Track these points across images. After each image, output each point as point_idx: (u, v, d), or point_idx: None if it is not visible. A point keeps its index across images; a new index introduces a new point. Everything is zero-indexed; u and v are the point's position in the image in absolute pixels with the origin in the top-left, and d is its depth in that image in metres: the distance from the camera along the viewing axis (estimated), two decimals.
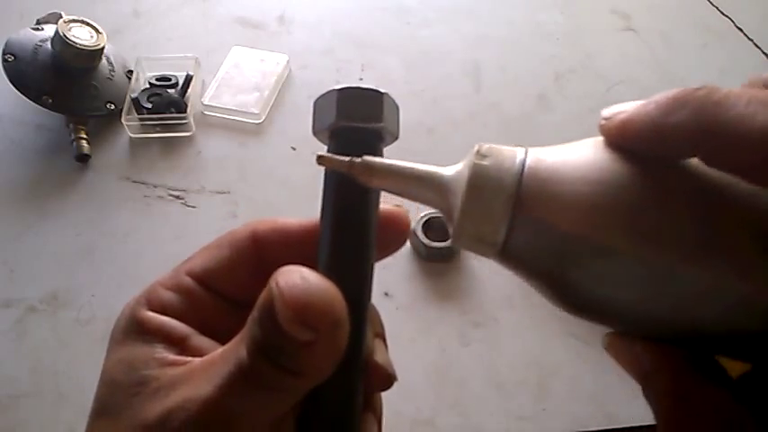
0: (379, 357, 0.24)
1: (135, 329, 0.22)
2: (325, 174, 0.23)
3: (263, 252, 0.24)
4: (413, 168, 0.22)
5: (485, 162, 0.20)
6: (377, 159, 0.21)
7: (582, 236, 0.19)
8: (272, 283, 0.19)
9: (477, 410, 0.51)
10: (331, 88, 0.22)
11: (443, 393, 0.52)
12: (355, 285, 0.20)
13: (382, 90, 0.22)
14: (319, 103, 0.23)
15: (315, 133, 0.23)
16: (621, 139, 0.20)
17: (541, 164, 0.20)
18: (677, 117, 0.18)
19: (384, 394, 0.26)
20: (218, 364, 0.20)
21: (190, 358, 0.21)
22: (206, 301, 0.24)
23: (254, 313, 0.19)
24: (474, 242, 0.20)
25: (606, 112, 0.21)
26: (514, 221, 0.19)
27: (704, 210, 0.18)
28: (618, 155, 0.20)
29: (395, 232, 0.24)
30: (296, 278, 0.19)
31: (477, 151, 0.20)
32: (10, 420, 0.50)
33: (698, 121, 0.18)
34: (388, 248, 0.24)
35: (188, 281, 0.24)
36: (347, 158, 0.21)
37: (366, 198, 0.23)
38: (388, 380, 0.24)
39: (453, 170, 0.22)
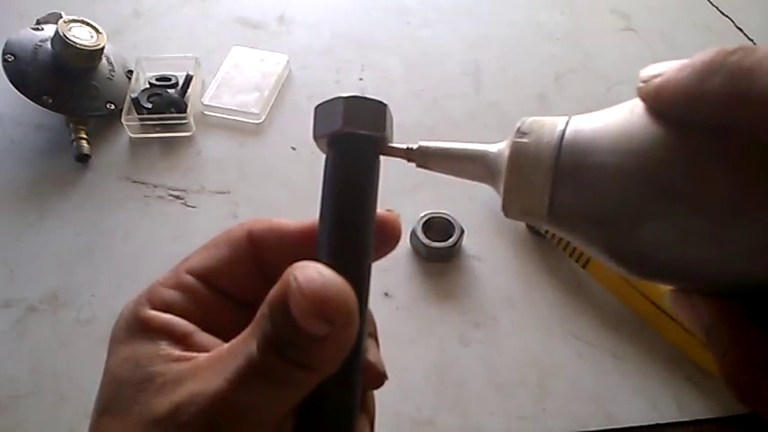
0: (371, 356, 0.24)
1: (138, 328, 0.22)
2: (324, 175, 0.23)
3: (259, 251, 0.25)
4: (463, 149, 0.24)
5: (524, 140, 0.21)
6: (431, 144, 0.24)
7: (619, 203, 0.19)
8: (288, 277, 0.19)
9: (477, 410, 0.51)
10: (336, 95, 0.23)
11: (443, 393, 0.52)
12: (355, 284, 0.20)
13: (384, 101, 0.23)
14: (323, 109, 0.23)
15: (316, 138, 0.24)
16: (658, 103, 0.21)
17: (579, 135, 0.21)
18: (710, 84, 0.18)
19: (384, 394, 0.26)
20: (227, 359, 0.20)
21: (195, 354, 0.21)
22: (207, 298, 0.24)
23: (265, 309, 0.20)
24: (523, 215, 0.22)
25: (644, 73, 0.21)
26: (555, 195, 0.21)
27: (741, 174, 0.18)
28: (654, 120, 0.20)
29: (387, 236, 0.25)
30: (313, 273, 0.19)
31: (519, 128, 0.22)
32: (10, 420, 0.50)
33: (731, 89, 0.18)
34: (380, 251, 0.25)
35: (188, 279, 0.24)
36: (405, 146, 0.23)
37: (364, 200, 0.23)
38: (379, 378, 0.24)
39: (498, 147, 0.23)
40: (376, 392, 0.26)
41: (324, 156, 0.24)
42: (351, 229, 0.23)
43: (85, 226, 0.63)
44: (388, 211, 0.25)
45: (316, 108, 0.24)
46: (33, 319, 0.56)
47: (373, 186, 0.23)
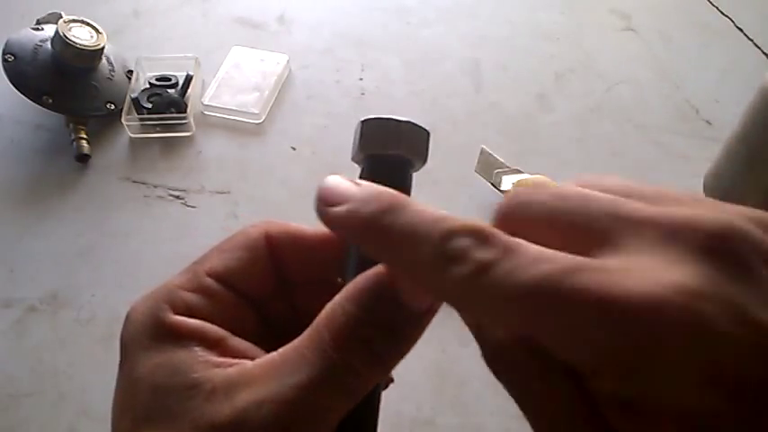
0: None
1: (166, 334, 0.21)
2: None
3: (276, 254, 0.24)
4: None
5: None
6: None
7: None
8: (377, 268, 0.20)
9: (477, 410, 0.51)
10: (391, 117, 0.23)
11: (443, 393, 0.52)
12: None
13: (406, 119, 0.23)
14: (374, 126, 0.24)
15: (363, 153, 0.24)
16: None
17: None
18: None
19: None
20: (284, 366, 0.20)
21: (234, 360, 0.21)
22: (229, 301, 0.23)
23: (344, 303, 0.20)
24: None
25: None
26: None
27: None
28: None
29: None
30: None
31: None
32: (10, 420, 0.50)
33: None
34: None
35: (210, 282, 0.23)
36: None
37: None
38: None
39: None
40: None
41: (359, 169, 0.24)
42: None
43: (85, 226, 0.63)
44: None
45: (364, 121, 0.24)
46: (33, 319, 0.56)
47: None
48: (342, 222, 0.19)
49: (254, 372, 0.20)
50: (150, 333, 0.22)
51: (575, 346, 0.15)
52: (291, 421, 0.19)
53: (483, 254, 0.16)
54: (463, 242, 0.16)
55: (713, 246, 0.14)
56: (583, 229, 0.17)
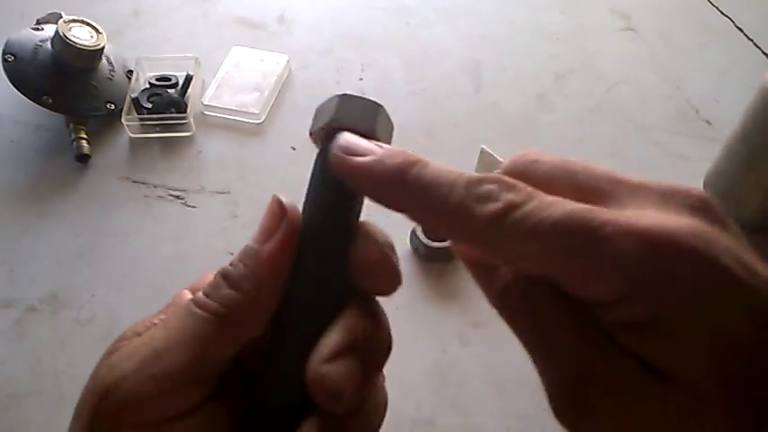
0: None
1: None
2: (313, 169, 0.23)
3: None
4: None
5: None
6: None
7: None
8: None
9: (477, 410, 0.51)
10: (336, 94, 0.23)
11: (443, 393, 0.52)
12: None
13: (380, 102, 0.23)
14: (320, 107, 0.23)
15: (310, 134, 0.24)
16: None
17: None
18: None
19: None
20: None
21: None
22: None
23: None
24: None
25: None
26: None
27: None
28: None
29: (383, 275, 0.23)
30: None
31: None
32: (10, 420, 0.50)
33: None
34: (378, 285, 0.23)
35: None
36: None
37: (347, 196, 0.23)
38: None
39: None
40: None
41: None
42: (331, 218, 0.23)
43: (85, 226, 0.63)
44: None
45: (317, 108, 0.24)
46: (33, 319, 0.56)
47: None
48: (366, 171, 0.20)
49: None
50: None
51: (603, 275, 0.16)
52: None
53: (511, 195, 0.18)
54: (491, 187, 0.18)
55: (702, 206, 0.17)
56: (589, 189, 0.19)
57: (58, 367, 0.53)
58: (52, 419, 0.50)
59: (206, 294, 0.20)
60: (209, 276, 0.22)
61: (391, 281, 0.22)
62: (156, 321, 0.22)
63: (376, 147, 0.20)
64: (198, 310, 0.20)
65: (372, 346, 0.21)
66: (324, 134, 0.23)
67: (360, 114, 0.23)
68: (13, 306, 0.57)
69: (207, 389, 0.20)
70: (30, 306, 0.57)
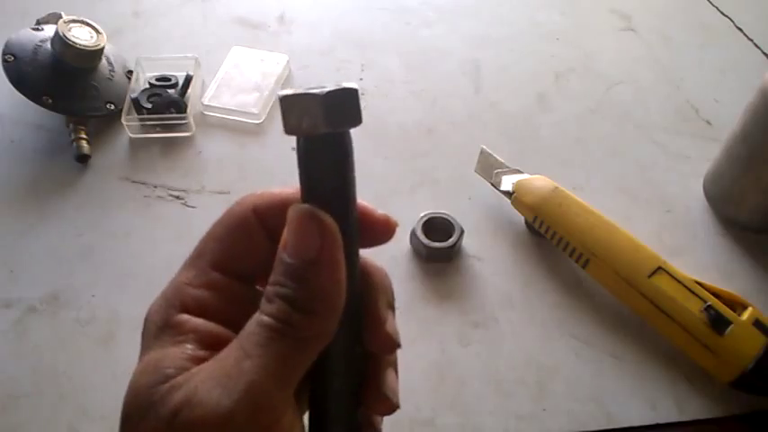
0: (388, 326, 0.25)
1: (168, 333, 0.22)
2: (304, 164, 0.23)
3: (266, 225, 0.24)
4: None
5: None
6: None
7: None
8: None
9: (477, 410, 0.51)
10: (306, 89, 0.21)
11: (443, 393, 0.52)
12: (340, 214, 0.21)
13: (327, 88, 0.21)
14: (295, 102, 0.22)
15: (289, 133, 0.23)
16: None
17: None
18: None
19: None
20: (232, 349, 0.20)
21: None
22: (237, 292, 0.24)
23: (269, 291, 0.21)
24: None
25: None
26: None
27: None
28: None
29: (381, 233, 0.25)
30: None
31: None
32: (10, 420, 0.50)
33: None
34: (374, 242, 0.25)
35: (216, 276, 0.23)
36: None
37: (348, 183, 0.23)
38: (393, 346, 0.26)
39: None
40: None
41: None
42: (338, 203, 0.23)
43: (86, 226, 0.63)
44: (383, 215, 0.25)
45: (282, 98, 0.22)
46: (33, 319, 0.56)
47: (352, 172, 0.23)
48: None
49: (205, 366, 0.20)
50: (155, 333, 0.22)
51: None
52: (227, 394, 0.19)
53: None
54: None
55: None
56: None
57: (58, 367, 0.53)
58: (52, 419, 0.50)
59: (278, 320, 0.21)
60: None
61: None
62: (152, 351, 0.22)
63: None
64: (279, 337, 0.20)
65: (391, 290, 0.26)
66: (311, 139, 0.22)
67: (349, 110, 0.22)
68: (13, 306, 0.57)
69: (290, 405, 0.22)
70: (30, 306, 0.57)
